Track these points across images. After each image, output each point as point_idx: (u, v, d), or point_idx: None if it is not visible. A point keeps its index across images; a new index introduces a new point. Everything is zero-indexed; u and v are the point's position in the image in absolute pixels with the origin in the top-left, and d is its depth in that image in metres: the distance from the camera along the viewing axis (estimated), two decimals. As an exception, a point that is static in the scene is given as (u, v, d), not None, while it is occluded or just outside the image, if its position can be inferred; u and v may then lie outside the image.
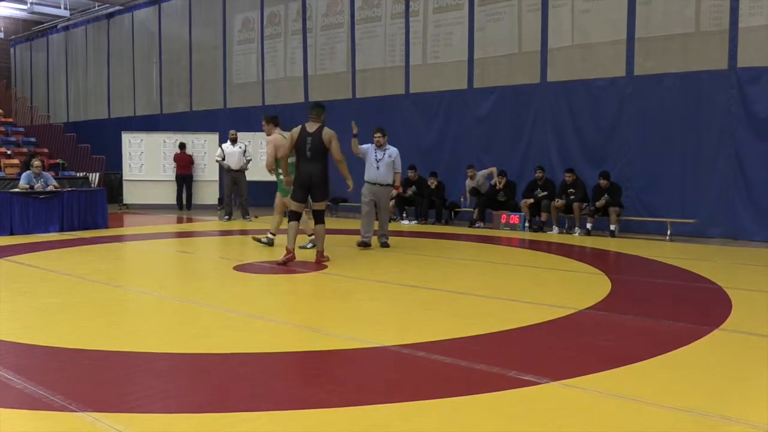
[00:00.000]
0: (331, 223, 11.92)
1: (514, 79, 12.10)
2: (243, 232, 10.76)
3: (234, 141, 12.83)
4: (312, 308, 5.29)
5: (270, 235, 8.50)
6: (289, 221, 7.27)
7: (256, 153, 14.61)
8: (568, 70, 11.43)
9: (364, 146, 8.43)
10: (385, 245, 8.47)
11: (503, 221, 11.10)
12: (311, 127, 7.20)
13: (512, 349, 3.94)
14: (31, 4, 21.19)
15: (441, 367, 3.52)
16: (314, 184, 7.19)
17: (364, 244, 8.37)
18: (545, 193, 10.81)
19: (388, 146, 8.48)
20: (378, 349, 3.87)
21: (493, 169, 11.63)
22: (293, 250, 7.09)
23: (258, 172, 14.56)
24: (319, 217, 7.27)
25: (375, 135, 8.46)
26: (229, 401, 3.00)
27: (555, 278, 6.51)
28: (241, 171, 12.65)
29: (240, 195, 12.68)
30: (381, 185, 8.42)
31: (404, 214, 12.54)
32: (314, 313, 5.09)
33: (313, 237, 7.98)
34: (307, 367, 3.67)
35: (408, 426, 2.75)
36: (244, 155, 12.74)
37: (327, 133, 7.17)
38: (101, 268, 6.92)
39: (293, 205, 7.33)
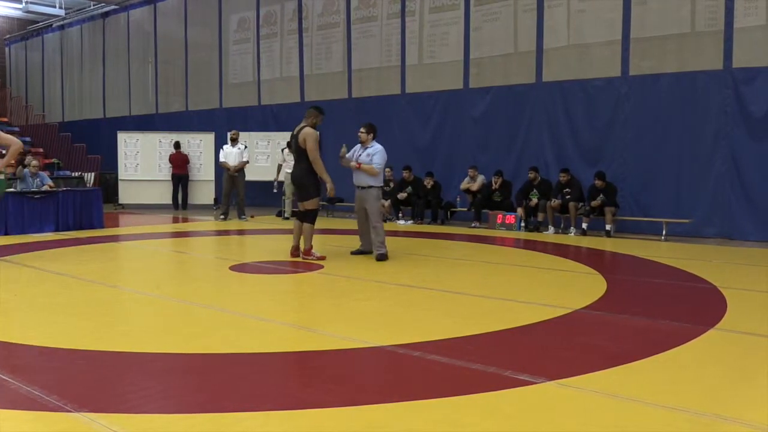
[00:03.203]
0: (327, 223, 11.94)
1: (510, 79, 12.11)
2: (240, 232, 10.75)
3: (234, 141, 12.82)
4: (308, 308, 5.29)
5: None
6: (294, 221, 7.72)
7: (253, 152, 14.59)
8: (564, 70, 11.45)
9: (351, 151, 7.71)
10: (378, 258, 7.46)
11: (499, 221, 11.12)
12: (297, 129, 7.34)
13: (508, 348, 3.94)
14: (27, 3, 21.11)
15: (437, 366, 3.52)
16: (300, 184, 7.37)
17: (358, 252, 7.88)
18: (539, 195, 10.81)
19: (373, 143, 7.59)
20: (374, 349, 3.88)
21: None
22: (297, 246, 7.55)
23: (256, 172, 14.56)
24: (307, 217, 7.38)
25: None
26: (226, 401, 3.00)
27: (551, 278, 6.52)
28: (240, 170, 12.64)
29: (237, 194, 12.66)
30: (360, 187, 7.59)
31: (400, 215, 12.54)
32: (310, 313, 5.09)
33: None
34: (304, 367, 3.67)
35: (404, 426, 2.75)
36: (242, 156, 12.73)
37: (303, 133, 7.18)
38: (97, 268, 6.90)
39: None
